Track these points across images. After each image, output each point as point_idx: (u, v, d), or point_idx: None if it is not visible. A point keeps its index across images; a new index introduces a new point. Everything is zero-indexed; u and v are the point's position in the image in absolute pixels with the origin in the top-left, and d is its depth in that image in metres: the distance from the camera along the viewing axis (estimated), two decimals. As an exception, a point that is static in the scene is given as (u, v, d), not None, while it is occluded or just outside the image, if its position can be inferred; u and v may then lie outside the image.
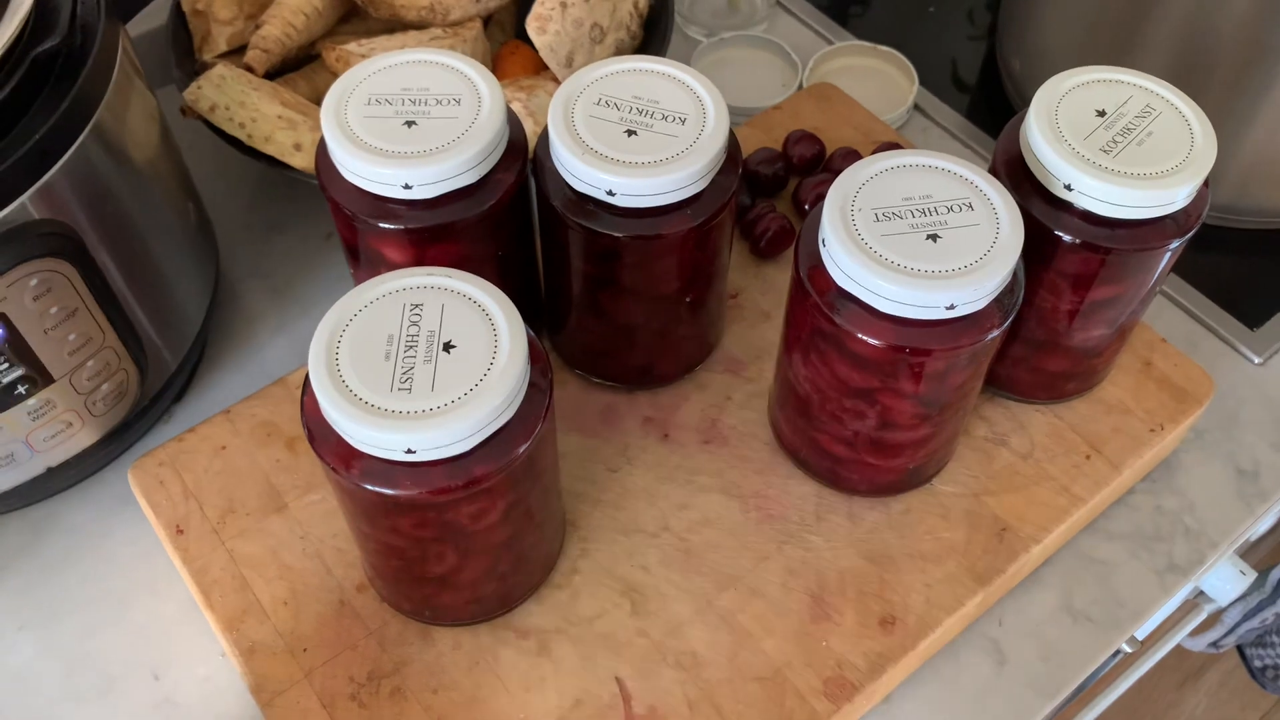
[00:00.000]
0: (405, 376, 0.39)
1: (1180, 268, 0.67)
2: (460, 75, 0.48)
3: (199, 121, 0.61)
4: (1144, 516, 0.58)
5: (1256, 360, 0.64)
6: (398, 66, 0.48)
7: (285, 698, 0.47)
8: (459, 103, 0.47)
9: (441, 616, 0.48)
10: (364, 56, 0.63)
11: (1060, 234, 0.47)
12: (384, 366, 0.39)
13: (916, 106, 0.76)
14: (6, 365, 0.47)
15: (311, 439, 0.41)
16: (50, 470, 0.53)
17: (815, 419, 0.50)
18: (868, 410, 0.47)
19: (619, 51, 0.67)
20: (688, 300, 0.51)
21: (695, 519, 0.52)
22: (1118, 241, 0.46)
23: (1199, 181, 0.45)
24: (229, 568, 0.51)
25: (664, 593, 0.50)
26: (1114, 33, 0.66)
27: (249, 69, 0.64)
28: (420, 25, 0.67)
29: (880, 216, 0.43)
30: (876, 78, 0.77)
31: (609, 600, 0.50)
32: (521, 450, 0.40)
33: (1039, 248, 0.48)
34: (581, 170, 0.46)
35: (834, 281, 0.44)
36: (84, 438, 0.53)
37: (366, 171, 0.45)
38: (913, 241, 0.43)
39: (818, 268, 0.44)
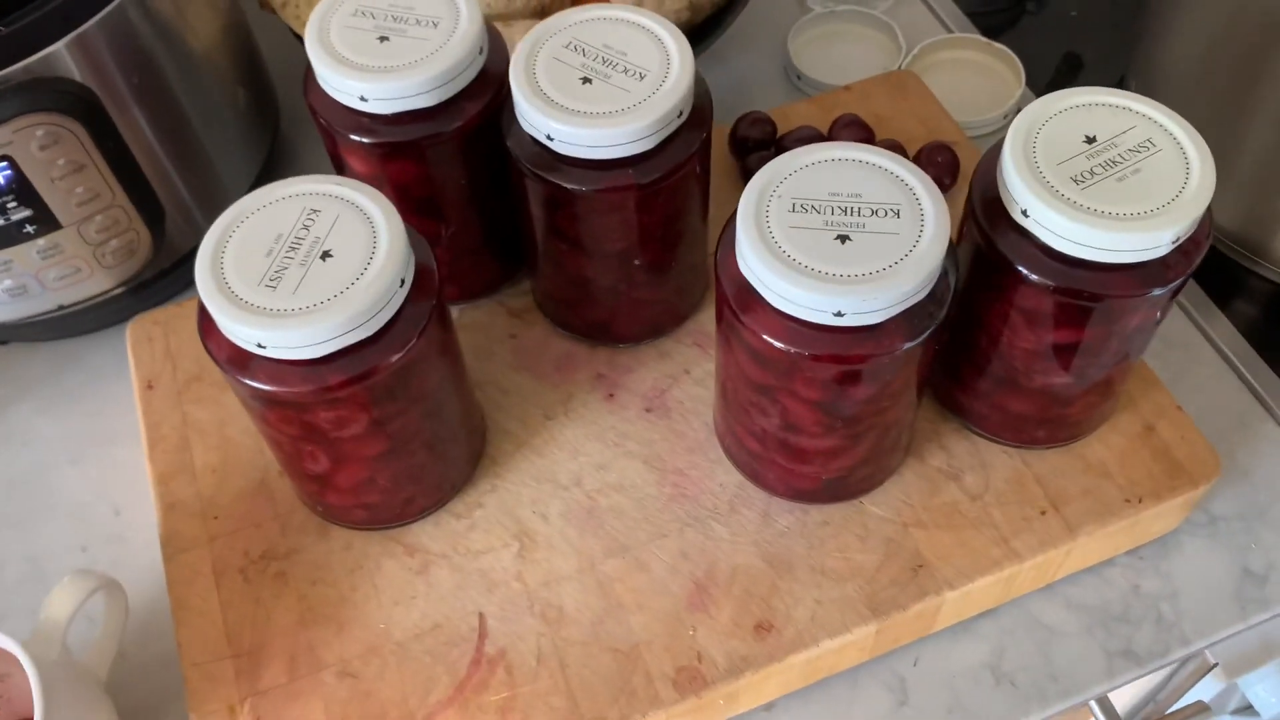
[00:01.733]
0: (276, 275, 0.40)
1: (1254, 337, 0.60)
2: (449, 1, 0.48)
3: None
4: (1115, 592, 0.53)
5: (1313, 456, 0.56)
6: (394, -18, 0.49)
7: (185, 556, 0.51)
8: (435, 26, 0.47)
9: (331, 515, 0.50)
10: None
11: (1016, 264, 0.43)
12: (262, 263, 0.41)
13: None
14: (15, 204, 0.52)
15: (199, 320, 0.43)
16: (63, 308, 0.58)
17: (731, 408, 0.48)
18: (770, 408, 0.45)
19: (694, 7, 0.65)
20: (637, 263, 0.50)
21: (609, 481, 0.52)
22: (1074, 281, 0.42)
23: (1178, 230, 0.40)
24: (179, 429, 0.54)
25: (554, 545, 0.50)
26: (1237, 64, 0.59)
27: (333, -28, 0.66)
28: (506, -47, 0.68)
29: (797, 207, 0.41)
30: (984, 75, 0.72)
31: (500, 539, 0.50)
32: (380, 367, 0.41)
33: (998, 277, 0.44)
34: (526, 110, 0.45)
35: (738, 270, 0.42)
36: (93, 284, 0.58)
37: (329, 78, 0.47)
38: (821, 239, 0.40)
39: (730, 252, 0.43)
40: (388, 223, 0.42)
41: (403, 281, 0.42)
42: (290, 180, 0.43)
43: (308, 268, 0.41)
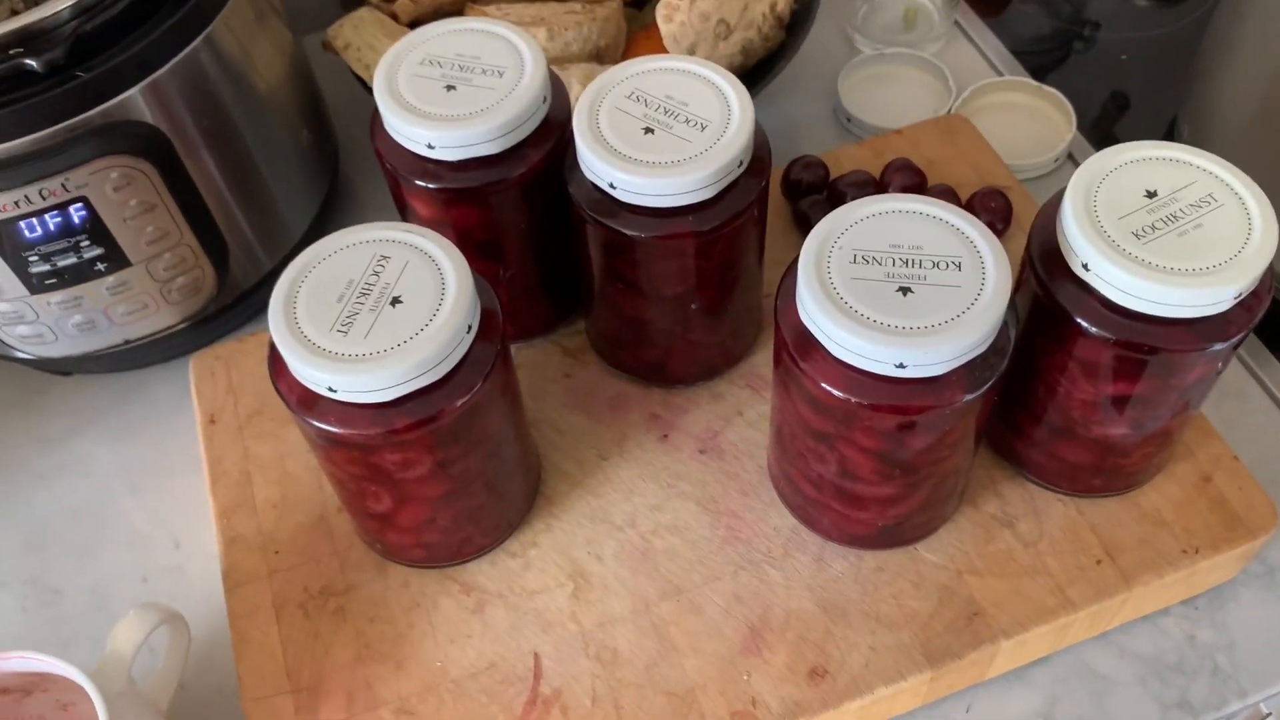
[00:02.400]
0: (348, 321, 0.41)
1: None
2: (513, 49, 0.50)
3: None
4: (1170, 642, 0.53)
5: (1372, 508, 0.56)
6: (460, 33, 0.50)
7: (246, 589, 0.51)
8: (501, 75, 0.49)
9: (389, 553, 0.51)
10: (497, 20, 0.66)
11: (1076, 317, 0.43)
12: (334, 308, 0.42)
13: (1071, 156, 0.70)
14: (88, 242, 0.53)
15: (270, 361, 0.44)
16: (129, 343, 0.59)
17: (787, 453, 0.48)
18: (828, 455, 0.45)
19: (746, 51, 0.66)
20: (694, 306, 0.51)
21: (664, 522, 0.52)
22: (1134, 335, 0.42)
23: (1240, 286, 0.40)
24: (240, 463, 0.55)
25: (608, 585, 0.50)
26: (1291, 111, 0.59)
27: (394, 16, 0.68)
28: (562, -3, 0.69)
29: (859, 259, 0.42)
30: (1034, 118, 0.72)
31: (555, 579, 0.51)
32: (446, 411, 0.42)
33: (1057, 329, 0.44)
34: (589, 159, 0.46)
35: (799, 318, 0.42)
36: (159, 320, 0.59)
37: (398, 125, 0.48)
38: (882, 291, 0.41)
39: (790, 301, 0.43)
40: (455, 271, 0.43)
41: (470, 328, 0.42)
42: (360, 227, 0.44)
43: (378, 314, 0.42)
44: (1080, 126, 0.72)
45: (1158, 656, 0.52)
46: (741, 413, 0.55)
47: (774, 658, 0.48)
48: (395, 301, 0.42)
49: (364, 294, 0.42)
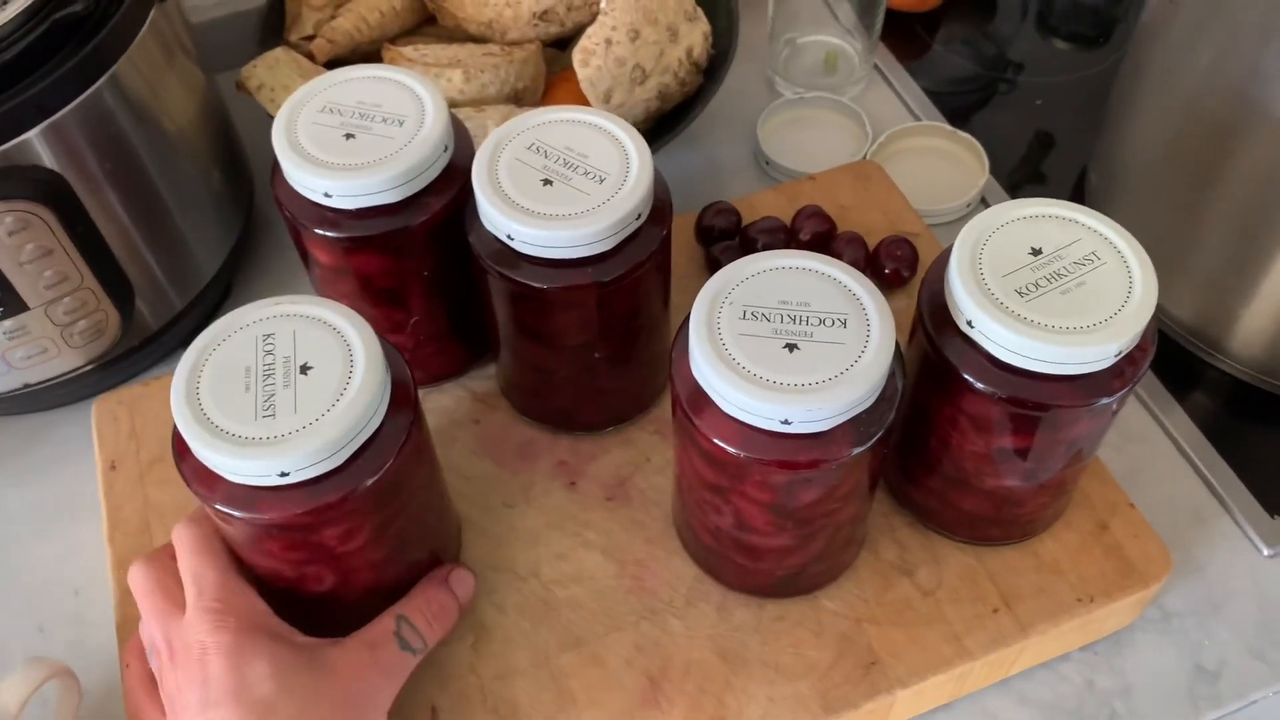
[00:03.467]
0: (267, 403, 0.40)
1: (1212, 431, 0.61)
2: (415, 98, 0.49)
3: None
4: (1070, 688, 0.53)
5: (1266, 552, 0.57)
6: (362, 80, 0.50)
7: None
8: (401, 124, 0.48)
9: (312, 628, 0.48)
10: (413, 61, 0.66)
11: (963, 372, 0.43)
12: (245, 398, 0.40)
13: (984, 200, 0.72)
14: (-18, 287, 0.52)
15: (185, 471, 0.42)
16: (28, 386, 0.58)
17: (687, 504, 0.48)
18: (724, 507, 0.45)
19: (663, 96, 0.67)
20: (597, 355, 0.51)
21: (568, 572, 0.52)
22: (1019, 390, 0.42)
23: (1121, 343, 0.41)
24: (140, 511, 0.54)
25: (509, 637, 0.50)
26: (1192, 162, 0.60)
27: (310, 56, 0.68)
28: (481, 39, 0.69)
29: (748, 315, 0.42)
30: (948, 162, 0.73)
31: (455, 631, 0.50)
32: (385, 464, 0.41)
33: (945, 384, 0.44)
34: (488, 210, 0.46)
35: (690, 373, 0.42)
36: (61, 363, 0.58)
37: (294, 174, 0.48)
38: (769, 347, 0.41)
39: (684, 354, 0.43)
40: (349, 322, 0.42)
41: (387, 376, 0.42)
42: (222, 320, 0.43)
43: (293, 387, 0.40)
44: (999, 169, 0.73)
45: (1057, 703, 0.53)
46: (649, 459, 0.55)
47: (672, 709, 0.48)
48: (304, 369, 0.41)
49: (269, 374, 0.41)
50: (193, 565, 0.44)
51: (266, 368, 0.41)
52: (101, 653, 0.54)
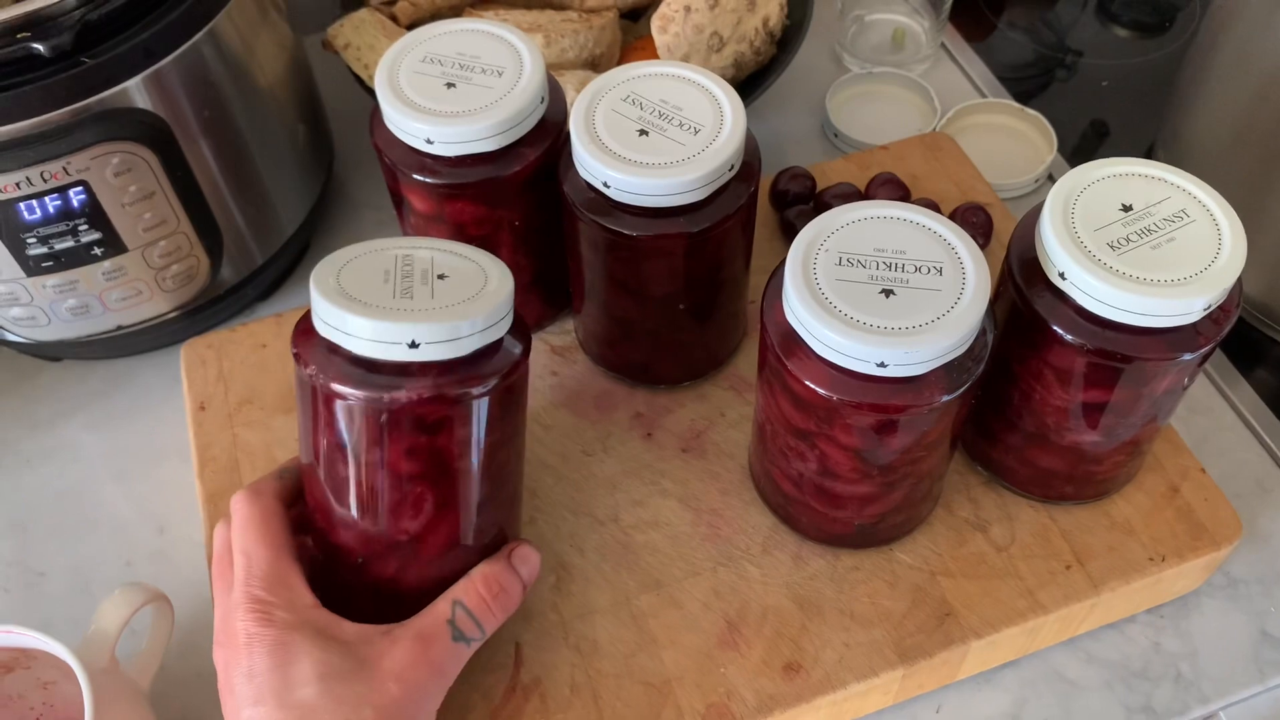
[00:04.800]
0: (405, 290, 0.41)
1: (1277, 405, 0.61)
2: (513, 50, 0.51)
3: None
4: (1136, 649, 0.54)
5: (1332, 523, 0.58)
6: (461, 33, 0.52)
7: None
8: (500, 74, 0.50)
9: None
10: (495, 24, 0.67)
11: (1052, 324, 0.44)
12: (383, 287, 0.41)
13: (1050, 177, 0.72)
14: (86, 226, 0.54)
15: (303, 361, 0.41)
16: (121, 328, 0.60)
17: (769, 451, 0.49)
18: (808, 453, 0.46)
19: (738, 64, 0.68)
20: (681, 307, 0.52)
21: (645, 518, 0.53)
22: (1108, 343, 0.43)
23: (1209, 298, 0.42)
24: (229, 450, 0.56)
25: (589, 578, 0.51)
26: (1261, 142, 0.61)
27: (393, 18, 0.69)
28: (560, 6, 0.71)
29: (844, 261, 0.43)
30: (1016, 139, 0.74)
31: (537, 570, 0.52)
32: (517, 364, 0.42)
33: (1033, 336, 0.45)
34: (584, 158, 0.48)
35: (784, 317, 0.43)
36: (152, 307, 0.60)
37: (397, 120, 0.49)
38: (866, 292, 0.42)
39: (777, 300, 0.44)
40: (481, 254, 0.44)
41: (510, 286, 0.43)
42: (364, 244, 0.44)
43: (430, 285, 0.42)
44: (1060, 152, 0.73)
45: (1123, 663, 0.54)
46: (724, 414, 0.57)
47: (750, 652, 0.49)
48: (441, 277, 0.42)
49: (407, 276, 0.42)
50: (245, 541, 0.43)
51: (405, 270, 0.42)
52: (188, 587, 0.56)
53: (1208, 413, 0.62)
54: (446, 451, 0.42)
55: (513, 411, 0.45)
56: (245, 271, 0.64)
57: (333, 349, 0.41)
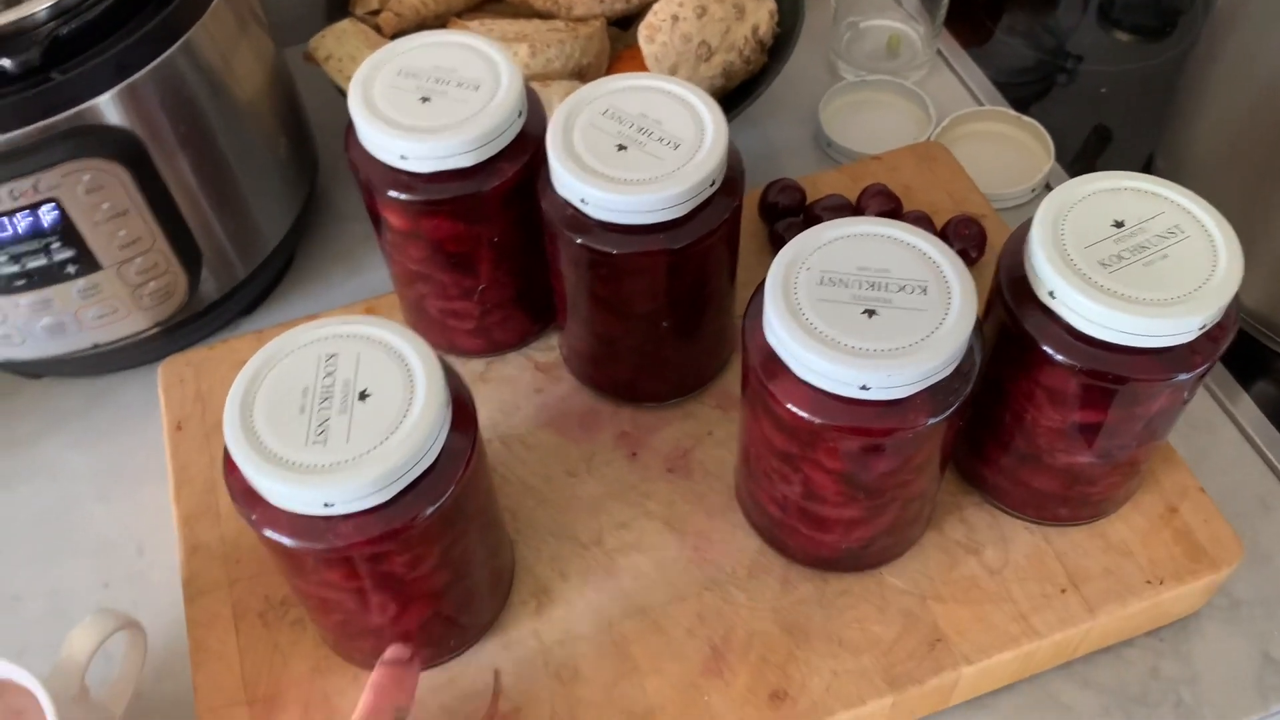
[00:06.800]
0: (321, 429, 0.39)
1: (1277, 415, 0.60)
2: (489, 63, 0.50)
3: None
4: (1134, 674, 0.53)
5: (1336, 542, 0.56)
6: (438, 46, 0.51)
7: (206, 598, 0.51)
8: (477, 88, 0.49)
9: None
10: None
11: (1042, 344, 0.43)
12: (299, 420, 0.39)
13: (1048, 186, 0.71)
14: (59, 244, 0.53)
15: (243, 504, 0.40)
16: (98, 346, 0.59)
17: (754, 473, 0.48)
18: (792, 476, 0.45)
19: (728, 74, 0.67)
20: (665, 324, 0.51)
21: (629, 541, 0.52)
22: (1099, 364, 0.42)
23: (1204, 317, 0.41)
24: (205, 471, 0.55)
25: (571, 603, 0.50)
26: (1263, 150, 0.59)
27: (377, 29, 0.68)
28: (546, 15, 0.69)
29: (826, 280, 0.42)
30: (1013, 148, 0.73)
31: (518, 595, 0.50)
32: (448, 490, 0.40)
33: (1023, 356, 0.44)
34: (561, 175, 0.46)
35: (766, 338, 0.42)
36: (130, 325, 0.59)
37: (371, 136, 0.48)
38: (848, 313, 0.41)
39: (758, 321, 0.43)
40: (413, 347, 0.41)
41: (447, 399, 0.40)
42: (286, 335, 0.42)
43: (349, 414, 0.39)
44: (1060, 159, 0.72)
45: (1121, 688, 0.52)
46: (711, 432, 0.55)
47: (735, 679, 0.48)
48: (363, 396, 0.40)
49: (326, 398, 0.40)
50: None
51: (325, 388, 0.40)
52: (166, 610, 0.55)
53: (1207, 428, 0.60)
54: (392, 574, 0.42)
55: (467, 508, 0.42)
56: (227, 287, 0.63)
57: (256, 496, 0.40)
